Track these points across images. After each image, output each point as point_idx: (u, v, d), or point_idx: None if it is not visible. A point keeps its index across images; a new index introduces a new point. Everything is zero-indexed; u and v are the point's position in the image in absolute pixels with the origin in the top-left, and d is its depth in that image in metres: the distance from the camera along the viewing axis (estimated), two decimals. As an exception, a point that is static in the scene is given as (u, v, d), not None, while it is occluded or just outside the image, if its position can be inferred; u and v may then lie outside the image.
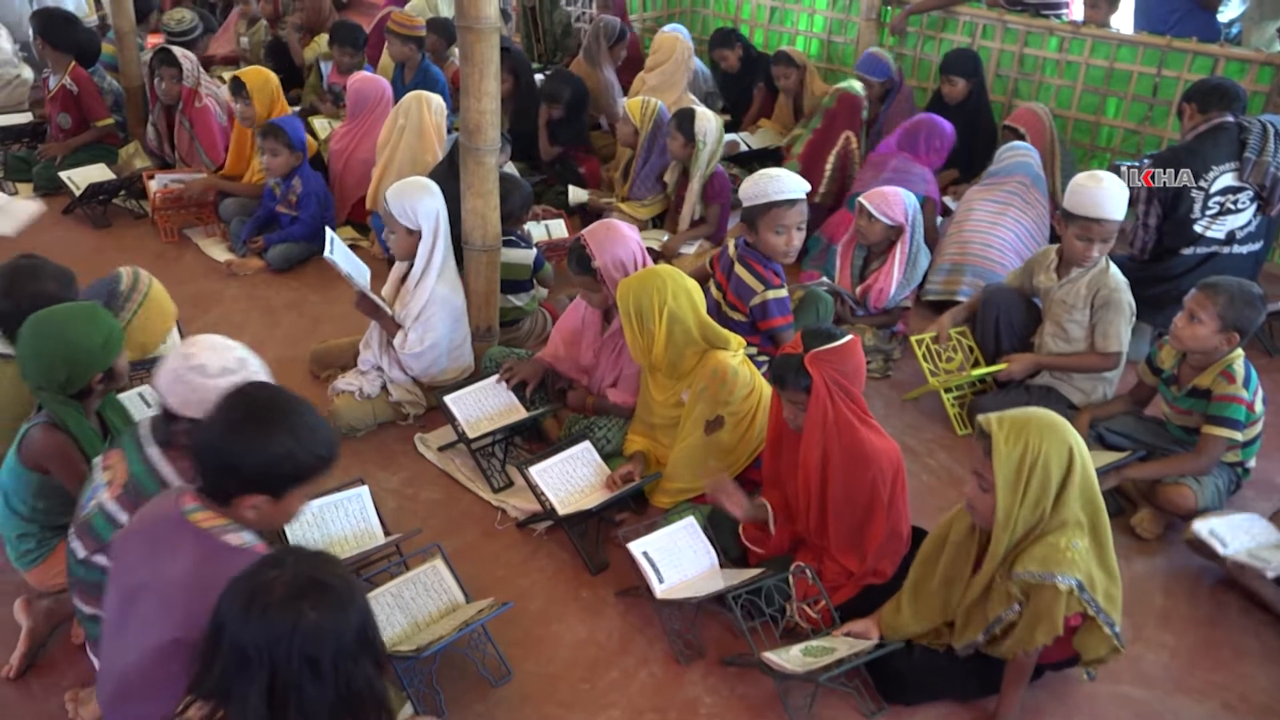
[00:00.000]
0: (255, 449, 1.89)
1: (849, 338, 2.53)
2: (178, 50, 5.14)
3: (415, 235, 3.43)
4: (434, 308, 3.45)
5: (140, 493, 2.23)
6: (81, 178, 5.08)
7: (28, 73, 6.10)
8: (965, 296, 4.19)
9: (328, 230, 3.51)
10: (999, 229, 4.39)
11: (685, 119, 4.57)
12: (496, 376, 3.39)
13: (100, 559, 2.26)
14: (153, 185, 4.93)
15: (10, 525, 2.61)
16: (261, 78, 4.91)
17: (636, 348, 2.97)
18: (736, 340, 3.00)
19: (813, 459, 2.57)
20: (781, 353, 2.63)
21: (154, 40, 6.52)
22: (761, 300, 3.44)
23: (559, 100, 5.29)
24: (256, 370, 2.28)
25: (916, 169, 4.54)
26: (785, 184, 3.40)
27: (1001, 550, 2.23)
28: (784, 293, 3.48)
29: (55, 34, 5.29)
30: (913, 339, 3.83)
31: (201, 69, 5.28)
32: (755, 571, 2.64)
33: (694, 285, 2.96)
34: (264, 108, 4.87)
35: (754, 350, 3.36)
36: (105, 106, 5.48)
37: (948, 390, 3.73)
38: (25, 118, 5.81)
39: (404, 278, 3.53)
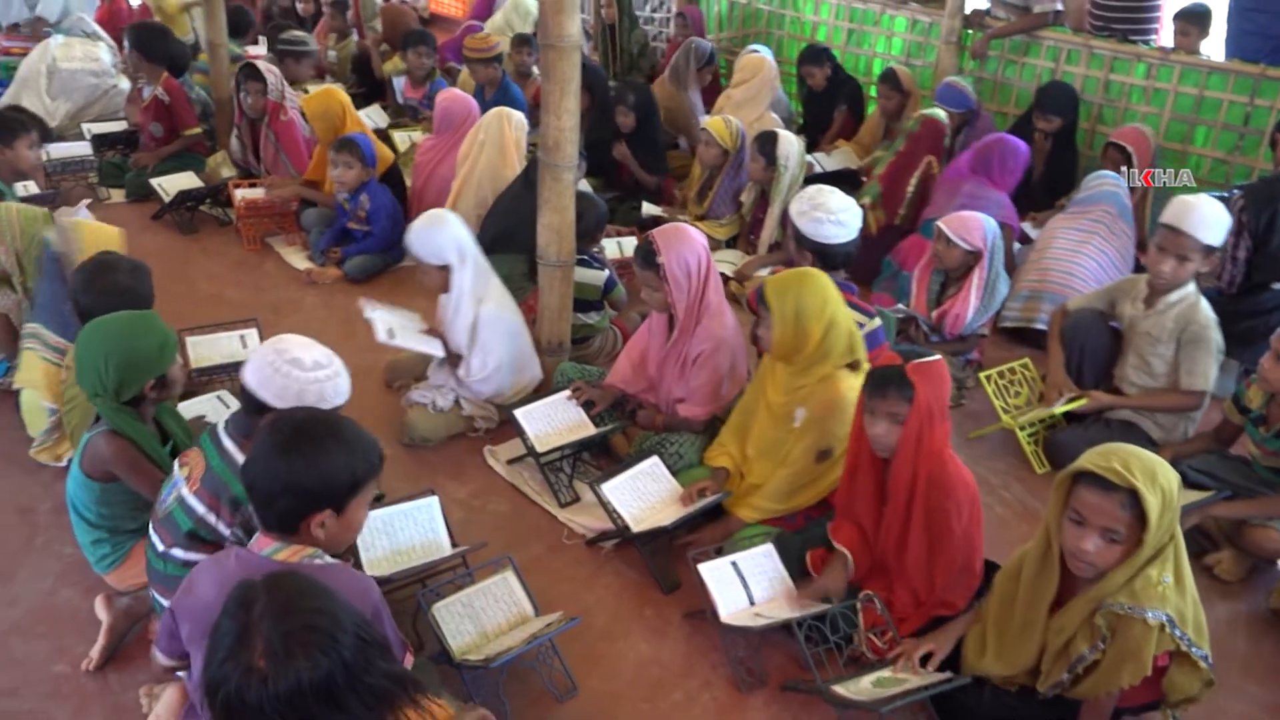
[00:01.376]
0: (314, 466, 1.92)
1: (938, 356, 2.50)
2: (262, 64, 5.28)
3: (446, 269, 3.46)
4: (487, 330, 3.47)
5: (218, 484, 2.30)
6: (171, 185, 5.24)
7: (124, 83, 6.32)
8: (1044, 324, 4.11)
9: (366, 309, 3.53)
10: (1081, 257, 4.29)
11: (767, 142, 4.56)
12: (567, 393, 3.41)
13: (178, 552, 2.33)
14: (238, 194, 5.07)
15: (83, 533, 2.71)
16: (321, 106, 4.95)
17: (783, 345, 2.91)
18: (866, 363, 2.99)
19: (903, 478, 2.53)
20: (878, 366, 2.60)
21: (252, 53, 6.72)
22: (871, 331, 3.40)
23: (625, 104, 5.31)
24: (342, 369, 2.38)
25: (992, 194, 4.47)
26: (847, 224, 3.40)
27: (1113, 591, 2.13)
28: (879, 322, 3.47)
29: (149, 46, 5.48)
30: (982, 375, 3.75)
31: (285, 82, 5.41)
32: (824, 605, 2.60)
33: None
34: (327, 133, 4.96)
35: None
36: (195, 116, 5.66)
37: (1021, 428, 3.65)
38: (120, 126, 6.02)
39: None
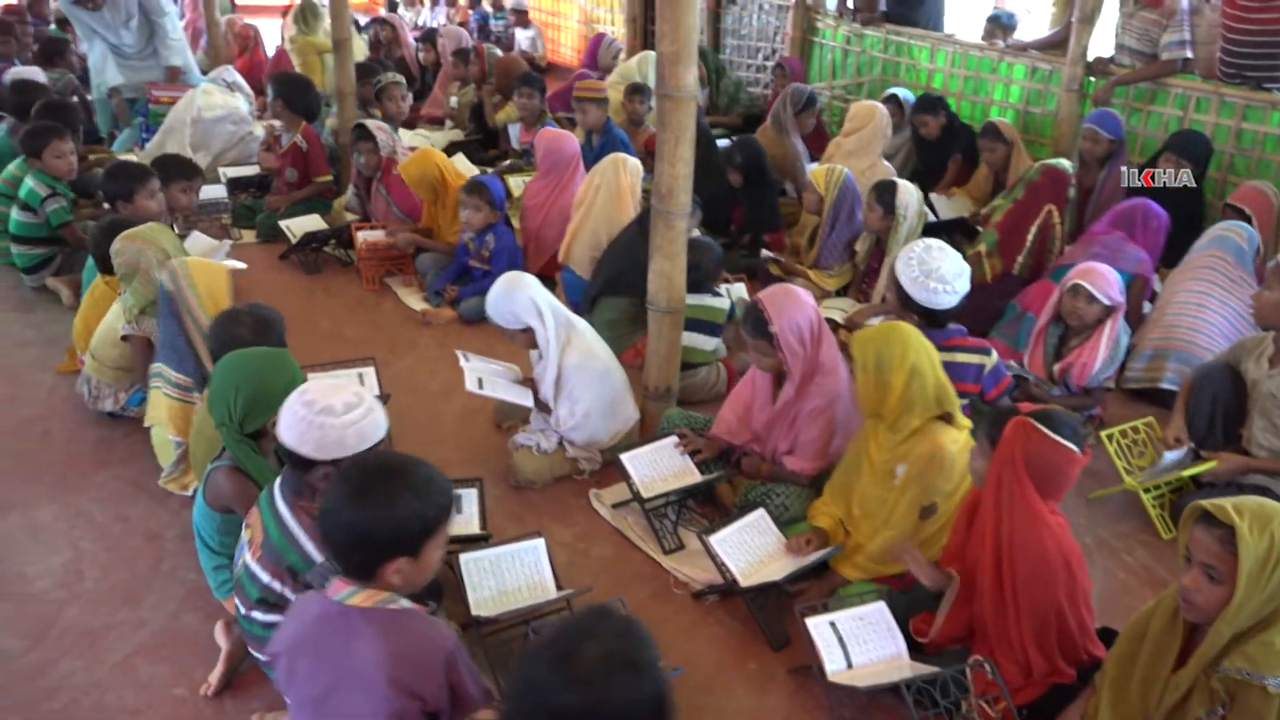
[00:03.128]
0: (386, 513, 1.91)
1: (1073, 449, 2.37)
2: (372, 124, 5.48)
3: (529, 330, 3.50)
4: (571, 379, 3.49)
5: (277, 554, 2.34)
6: (298, 227, 5.48)
7: (259, 130, 6.66)
8: (1170, 384, 3.94)
9: (461, 359, 3.63)
10: (1206, 311, 4.11)
11: (886, 191, 4.52)
12: (674, 439, 3.41)
13: (257, 614, 2.40)
14: (360, 236, 5.26)
15: (206, 558, 2.81)
16: (419, 171, 5.08)
17: (867, 399, 2.91)
18: (964, 419, 2.92)
19: (987, 529, 2.46)
20: (1015, 405, 2.51)
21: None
22: (992, 367, 3.34)
23: (733, 163, 5.36)
24: (374, 403, 2.34)
25: (1130, 248, 4.36)
26: (959, 291, 3.34)
27: (1220, 645, 2.04)
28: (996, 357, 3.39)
29: (292, 97, 5.79)
30: (1103, 434, 3.61)
31: (395, 134, 5.60)
32: (933, 669, 2.52)
33: (931, 345, 2.92)
34: (428, 193, 5.14)
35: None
36: (327, 163, 5.93)
37: (1145, 490, 3.50)
38: (253, 170, 6.34)
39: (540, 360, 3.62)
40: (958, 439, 2.86)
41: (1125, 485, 3.49)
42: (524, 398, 3.58)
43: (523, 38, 11.02)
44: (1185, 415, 3.53)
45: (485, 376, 3.60)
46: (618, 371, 3.65)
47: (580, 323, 3.64)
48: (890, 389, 2.84)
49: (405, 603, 1.97)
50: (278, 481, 2.43)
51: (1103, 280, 3.72)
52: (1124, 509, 3.56)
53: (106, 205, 4.48)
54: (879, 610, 2.66)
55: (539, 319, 3.46)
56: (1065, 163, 4.92)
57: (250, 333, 2.97)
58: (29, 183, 4.81)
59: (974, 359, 3.35)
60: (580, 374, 3.49)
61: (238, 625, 2.55)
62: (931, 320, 3.38)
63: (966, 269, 3.42)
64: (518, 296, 3.46)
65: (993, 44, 6.80)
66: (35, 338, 4.53)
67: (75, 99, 7.01)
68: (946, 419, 2.88)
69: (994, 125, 5.66)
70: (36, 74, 6.48)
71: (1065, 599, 2.42)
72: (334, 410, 2.26)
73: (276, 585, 2.36)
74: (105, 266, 4.00)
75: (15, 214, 4.85)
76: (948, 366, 3.24)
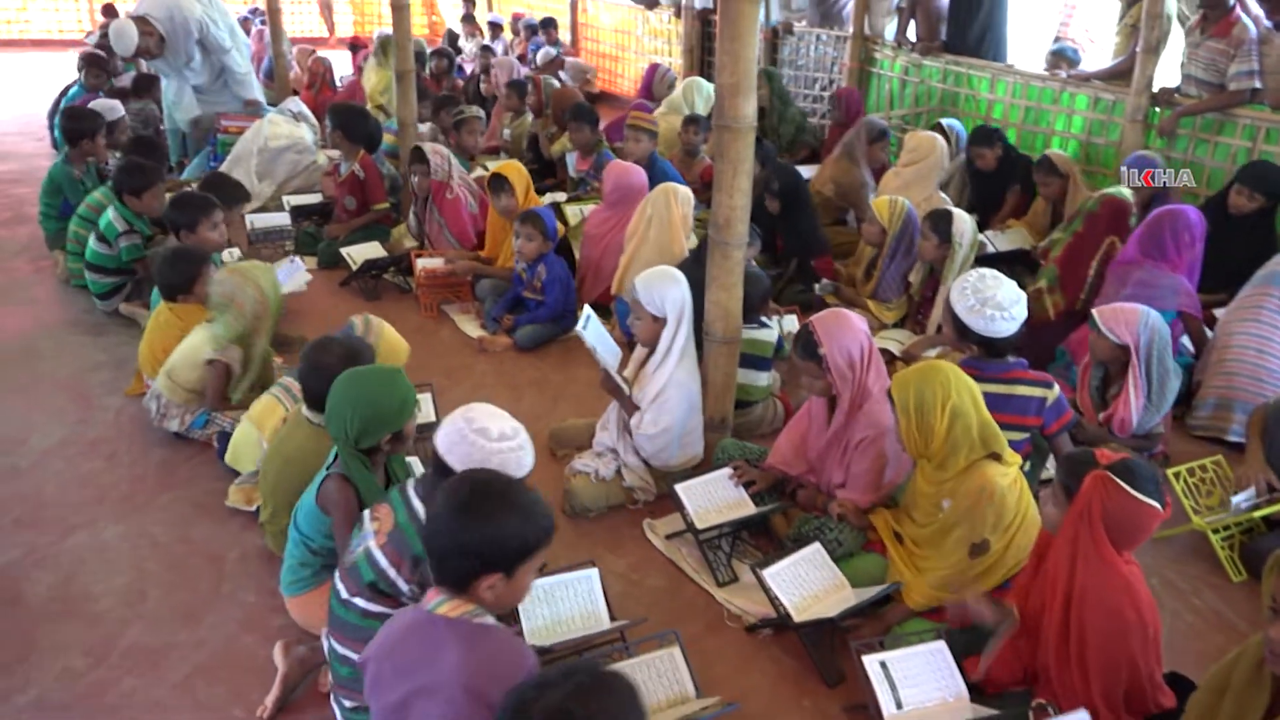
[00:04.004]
0: (488, 529, 1.96)
1: (1155, 505, 2.28)
2: (428, 147, 5.59)
3: (660, 322, 3.52)
4: (671, 391, 3.50)
5: (404, 541, 2.39)
6: (358, 254, 5.58)
7: (322, 160, 6.81)
8: (1237, 436, 3.83)
9: (586, 308, 3.68)
10: (1268, 358, 3.99)
11: (941, 220, 4.48)
12: (728, 470, 3.39)
13: (360, 601, 2.43)
14: (419, 263, 5.33)
15: (297, 553, 2.85)
16: (517, 170, 5.28)
17: (910, 440, 2.87)
18: (1014, 455, 2.86)
19: (1060, 574, 2.39)
20: (1092, 451, 2.43)
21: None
22: (1054, 401, 3.27)
23: (770, 190, 5.34)
24: (526, 440, 2.45)
25: (1165, 280, 4.17)
26: (1017, 318, 3.28)
27: None
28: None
29: (350, 127, 5.92)
30: (1170, 472, 3.50)
31: (453, 160, 5.70)
32: (994, 712, 2.46)
33: (974, 385, 2.87)
34: (523, 198, 5.22)
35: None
36: (385, 191, 6.04)
37: (1214, 531, 3.39)
38: (316, 198, 6.47)
39: (645, 362, 3.62)
40: (1007, 474, 2.80)
41: (1193, 525, 3.39)
42: (623, 383, 3.60)
43: (570, 65, 11.15)
44: (1262, 454, 3.42)
45: (599, 345, 3.60)
46: (700, 407, 3.64)
47: (693, 351, 3.63)
48: (933, 432, 2.80)
49: (491, 619, 2.00)
50: (412, 482, 2.52)
51: (1111, 316, 3.63)
52: (1190, 549, 3.47)
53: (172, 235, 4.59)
54: (939, 650, 2.60)
55: (677, 319, 3.50)
56: (1126, 191, 4.82)
57: (339, 362, 3.02)
58: (109, 214, 4.96)
59: (1035, 391, 3.28)
60: (681, 390, 3.51)
61: (331, 613, 2.57)
62: (991, 350, 3.33)
63: (1023, 296, 3.36)
64: (673, 289, 3.51)
65: (1054, 74, 6.73)
66: (106, 361, 4.65)
67: (153, 130, 7.26)
68: (994, 458, 2.82)
69: (1048, 158, 5.59)
70: (116, 108, 6.69)
71: (1138, 652, 2.34)
72: (489, 433, 2.38)
73: (393, 572, 2.40)
74: (169, 294, 4.11)
75: (92, 243, 5.00)
76: (1008, 399, 3.20)
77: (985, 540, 2.77)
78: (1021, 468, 3.25)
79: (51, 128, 7.95)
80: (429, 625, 1.97)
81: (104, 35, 9.65)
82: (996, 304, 3.27)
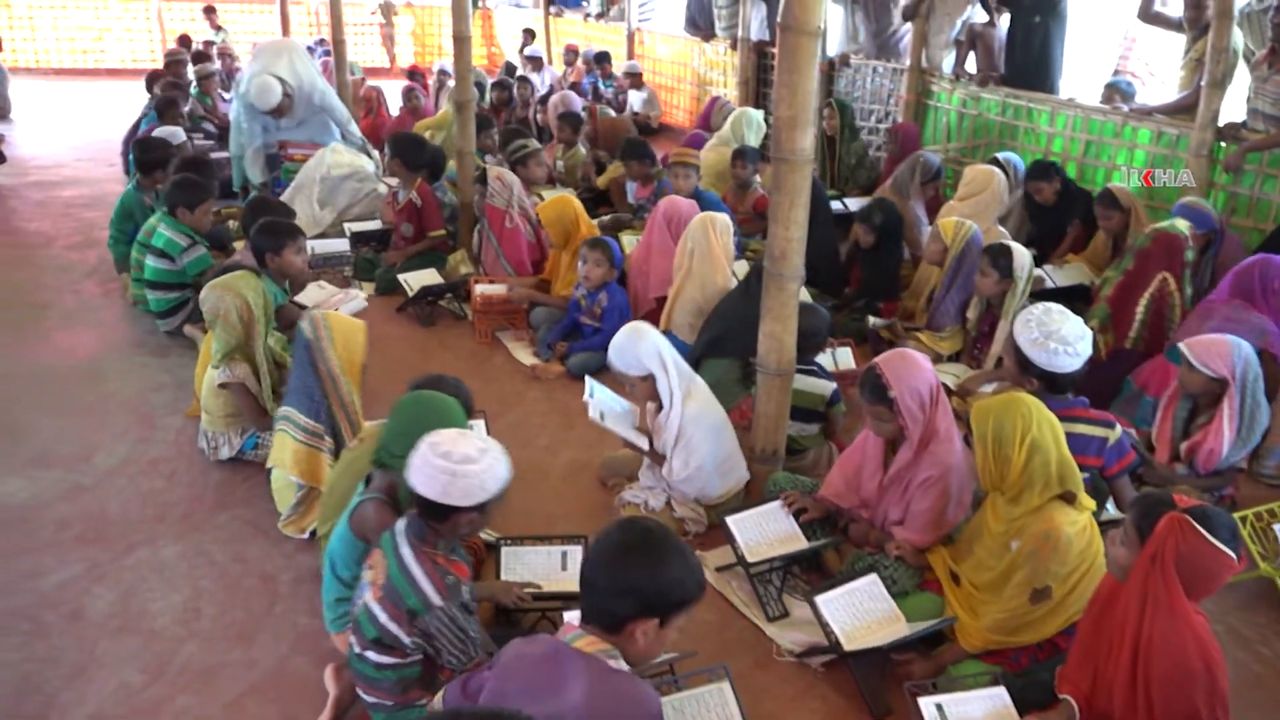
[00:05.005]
0: (655, 575, 1.96)
1: (1230, 554, 2.21)
2: (493, 172, 5.68)
3: (649, 378, 3.51)
4: (690, 429, 3.49)
5: (397, 595, 2.37)
6: (415, 280, 5.66)
7: (383, 188, 6.93)
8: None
9: (588, 379, 3.70)
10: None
11: (1001, 255, 4.42)
12: (780, 502, 3.36)
13: (371, 655, 2.43)
14: (477, 289, 5.39)
15: (333, 589, 2.86)
16: (555, 212, 5.27)
17: (986, 473, 2.83)
18: (1088, 500, 2.80)
19: (1128, 620, 2.32)
20: (1167, 493, 2.38)
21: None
22: (1115, 442, 3.21)
23: (870, 222, 5.33)
24: (494, 460, 2.38)
25: (1253, 317, 4.12)
26: (1081, 353, 3.22)
27: None
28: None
29: (409, 155, 6.03)
30: (1237, 516, 3.39)
31: (516, 190, 5.76)
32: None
33: (1055, 419, 2.81)
34: (560, 237, 5.28)
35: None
36: (442, 219, 6.13)
37: (1284, 577, 3.29)
38: (375, 225, 6.59)
39: (657, 413, 3.61)
40: (1076, 521, 2.73)
41: (1261, 571, 3.29)
42: (641, 440, 3.59)
43: (636, 99, 11.25)
44: None
45: (608, 412, 3.62)
46: (731, 430, 3.63)
47: (699, 378, 3.64)
48: (1010, 464, 2.75)
49: (623, 664, 1.99)
50: (401, 525, 2.48)
51: (1203, 349, 3.56)
52: (1258, 596, 3.36)
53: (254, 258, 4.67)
54: (998, 695, 2.54)
55: (662, 367, 3.49)
56: (1181, 224, 4.66)
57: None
58: (166, 233, 5.09)
59: (1097, 431, 3.22)
60: (699, 425, 3.49)
61: (348, 668, 2.59)
62: (1053, 385, 3.27)
63: (1088, 332, 3.30)
64: (642, 343, 3.50)
65: (1116, 108, 6.65)
66: (168, 381, 4.76)
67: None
68: (1068, 497, 2.76)
69: (1110, 192, 5.49)
70: (177, 134, 6.89)
71: (1204, 704, 2.26)
72: (451, 455, 2.33)
73: (393, 627, 2.38)
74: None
75: (151, 261, 5.13)
76: (1069, 438, 3.12)
77: (1047, 586, 2.70)
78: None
79: (125, 155, 8.19)
80: (564, 656, 1.96)
81: (175, 61, 9.98)
82: (1061, 338, 3.21)
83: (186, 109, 8.47)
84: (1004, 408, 2.80)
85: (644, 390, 3.56)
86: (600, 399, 3.64)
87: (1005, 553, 2.82)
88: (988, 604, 2.85)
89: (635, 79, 11.36)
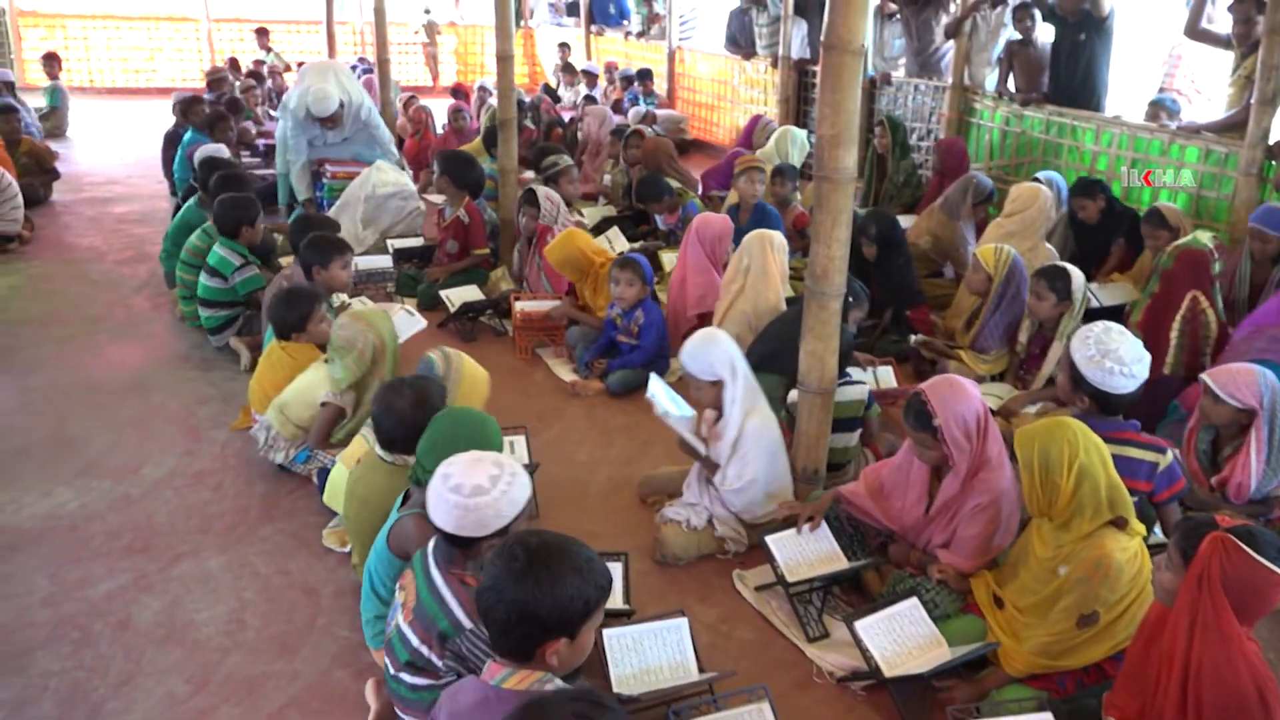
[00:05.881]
0: (548, 595, 1.91)
1: (1277, 572, 2.16)
2: (541, 191, 5.70)
3: (718, 384, 3.50)
4: (749, 443, 3.47)
5: (427, 619, 2.37)
6: (457, 296, 5.71)
7: (423, 205, 7.02)
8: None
9: (652, 377, 3.70)
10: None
11: (1058, 278, 4.34)
12: (819, 524, 3.35)
13: (405, 677, 2.44)
14: (518, 305, 5.43)
15: (371, 607, 2.88)
16: (562, 254, 5.23)
17: (1034, 500, 2.78)
18: (1139, 525, 2.75)
19: (1177, 646, 2.27)
20: (1212, 516, 2.33)
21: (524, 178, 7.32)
22: (1168, 465, 3.15)
23: (868, 235, 5.28)
24: (509, 484, 2.36)
25: None
26: (1138, 375, 3.17)
27: None
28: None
29: (457, 173, 6.11)
30: None
31: (563, 208, 5.80)
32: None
33: (1103, 443, 2.77)
34: (576, 275, 5.30)
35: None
36: (486, 236, 6.19)
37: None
38: (418, 242, 6.66)
39: (715, 422, 3.60)
40: (1128, 548, 2.68)
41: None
42: (699, 444, 3.59)
43: (663, 118, 11.29)
44: None
45: (671, 411, 3.61)
46: (785, 453, 3.62)
47: (764, 396, 3.62)
48: (1058, 491, 2.70)
49: (559, 683, 1.98)
50: (431, 546, 2.48)
51: (1229, 379, 3.45)
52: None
53: (302, 270, 4.75)
54: (1043, 721, 2.50)
55: (732, 375, 3.49)
56: (1204, 238, 4.52)
57: (409, 405, 3.08)
58: (220, 252, 5.18)
59: (1147, 455, 3.16)
60: (758, 440, 3.48)
61: (386, 685, 2.61)
62: (1104, 406, 3.21)
63: (1146, 355, 3.24)
64: (715, 348, 3.51)
65: (1163, 125, 6.56)
66: (214, 395, 4.83)
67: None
68: (1120, 523, 2.71)
69: (1158, 210, 5.39)
70: (221, 150, 7.02)
71: None
72: (462, 489, 2.33)
73: (424, 650, 2.39)
74: (283, 333, 4.25)
75: (204, 279, 5.22)
76: (1117, 461, 3.07)
77: (1095, 612, 2.66)
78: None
79: (169, 173, 8.32)
80: (499, 702, 1.93)
81: (216, 78, 10.16)
82: (1118, 358, 3.16)
83: (236, 127, 8.62)
84: (1049, 434, 2.75)
85: (710, 395, 3.55)
86: (663, 395, 3.64)
87: (1052, 578, 2.77)
88: (1031, 628, 2.81)
89: (645, 86, 11.38)
